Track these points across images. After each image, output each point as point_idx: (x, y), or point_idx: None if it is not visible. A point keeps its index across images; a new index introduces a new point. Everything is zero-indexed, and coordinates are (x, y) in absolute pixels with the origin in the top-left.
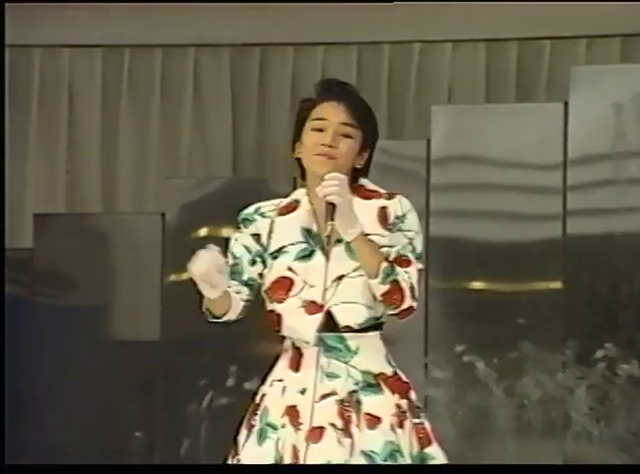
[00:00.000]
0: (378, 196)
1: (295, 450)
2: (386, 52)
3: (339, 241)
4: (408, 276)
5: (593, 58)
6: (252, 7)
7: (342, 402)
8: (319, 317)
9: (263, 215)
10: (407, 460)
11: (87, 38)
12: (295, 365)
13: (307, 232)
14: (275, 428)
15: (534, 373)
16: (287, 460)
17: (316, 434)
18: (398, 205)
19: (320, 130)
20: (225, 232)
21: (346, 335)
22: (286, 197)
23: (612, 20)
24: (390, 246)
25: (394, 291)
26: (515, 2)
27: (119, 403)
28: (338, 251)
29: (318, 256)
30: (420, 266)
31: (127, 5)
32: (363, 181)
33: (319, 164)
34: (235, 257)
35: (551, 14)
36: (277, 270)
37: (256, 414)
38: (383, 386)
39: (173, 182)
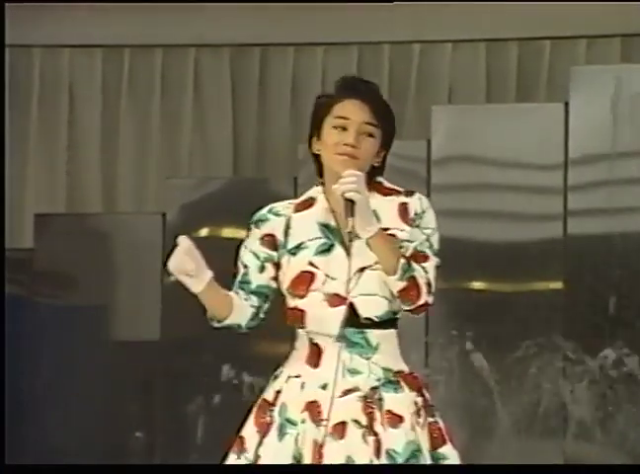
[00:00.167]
0: (397, 193)
1: (316, 445)
2: (386, 52)
3: (358, 236)
4: (425, 271)
5: (593, 58)
6: (252, 7)
7: (365, 398)
8: (343, 309)
9: (277, 214)
10: (427, 459)
11: (87, 38)
12: (315, 361)
13: (325, 227)
14: (294, 423)
15: (534, 373)
16: (307, 455)
17: (339, 429)
18: (418, 203)
19: (343, 129)
20: (226, 232)
21: (366, 330)
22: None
23: (612, 20)
24: (409, 241)
25: (411, 288)
26: (515, 2)
27: (119, 403)
28: (358, 245)
29: (338, 249)
30: (437, 260)
31: (127, 5)
32: (380, 179)
33: (341, 163)
34: (245, 266)
35: (551, 14)
36: (297, 265)
37: (270, 411)
38: (402, 383)
39: (173, 182)
